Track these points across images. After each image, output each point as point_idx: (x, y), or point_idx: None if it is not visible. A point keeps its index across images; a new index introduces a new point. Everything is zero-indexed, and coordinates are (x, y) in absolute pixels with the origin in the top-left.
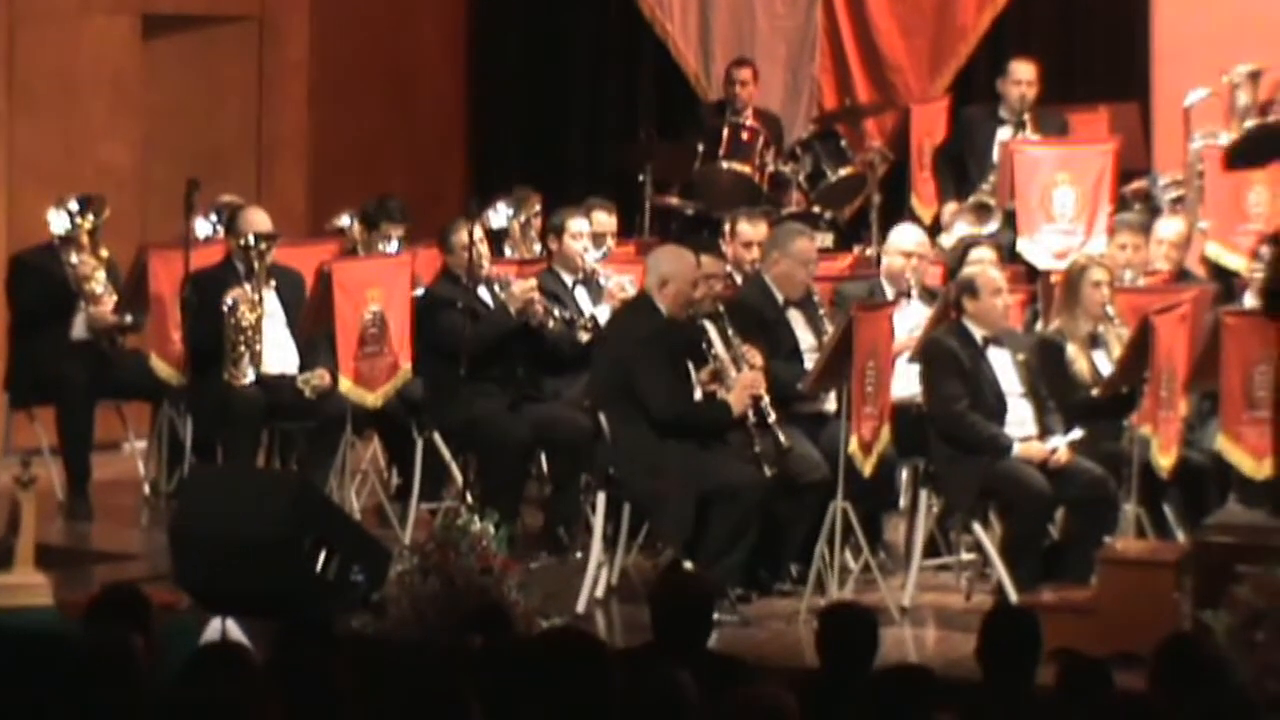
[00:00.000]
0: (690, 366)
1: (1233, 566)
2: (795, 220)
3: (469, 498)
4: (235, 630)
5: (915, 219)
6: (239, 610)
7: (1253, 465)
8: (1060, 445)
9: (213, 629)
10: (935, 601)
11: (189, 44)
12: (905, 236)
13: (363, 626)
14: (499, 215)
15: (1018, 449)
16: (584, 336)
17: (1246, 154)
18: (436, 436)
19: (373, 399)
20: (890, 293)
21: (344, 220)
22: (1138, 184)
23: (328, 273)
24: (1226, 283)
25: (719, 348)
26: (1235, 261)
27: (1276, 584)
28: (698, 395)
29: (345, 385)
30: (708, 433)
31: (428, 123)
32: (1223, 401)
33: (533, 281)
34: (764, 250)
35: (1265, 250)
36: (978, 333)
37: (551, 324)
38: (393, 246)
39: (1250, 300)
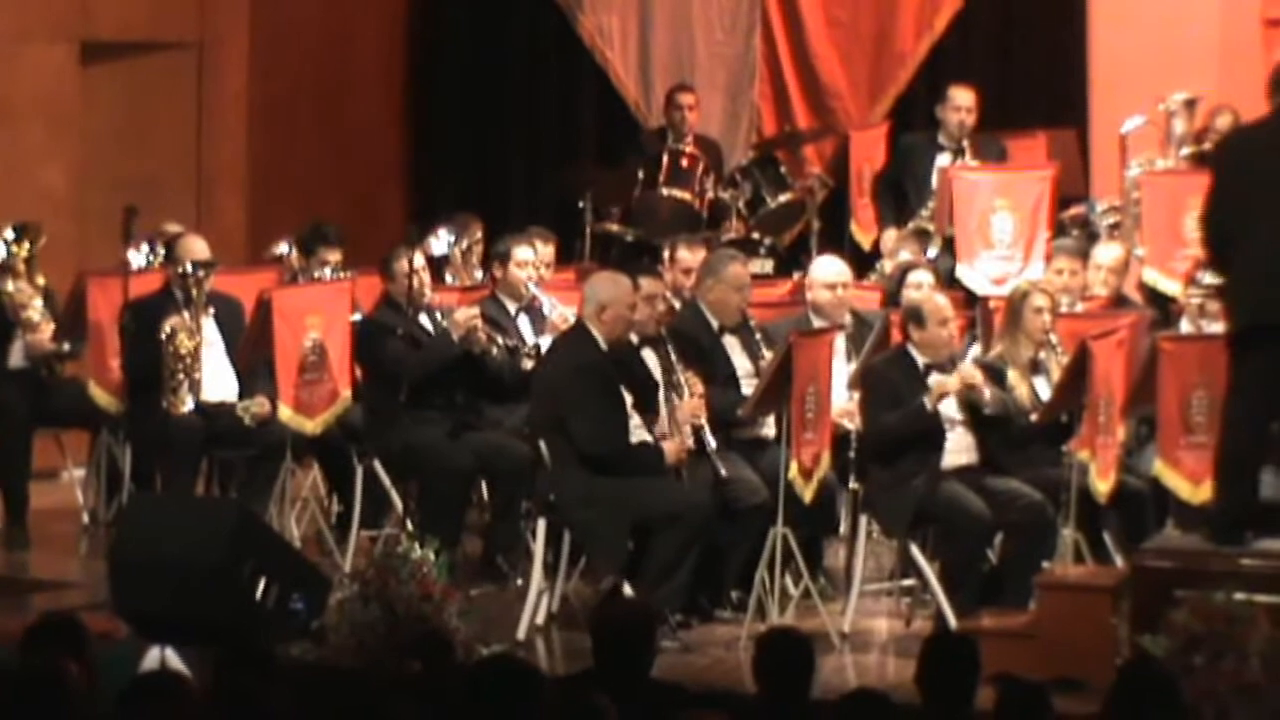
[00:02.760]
0: (626, 394)
1: (1170, 591)
2: (735, 247)
3: (409, 525)
4: (174, 659)
5: (854, 245)
6: (178, 638)
7: (1190, 490)
8: (965, 366)
9: (151, 657)
10: (875, 626)
11: (127, 71)
12: (826, 269)
13: (303, 654)
14: (440, 242)
15: (933, 380)
16: (528, 365)
17: None
18: (377, 464)
19: (312, 426)
20: (817, 325)
21: (283, 247)
22: (1075, 210)
23: (267, 300)
24: (1163, 308)
25: (658, 375)
26: (1172, 287)
27: (1214, 608)
28: (635, 421)
29: (285, 413)
30: (635, 473)
31: (366, 150)
32: (1160, 426)
33: (475, 309)
34: (698, 277)
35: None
36: (921, 360)
37: (495, 352)
38: (328, 271)
39: (1186, 326)
